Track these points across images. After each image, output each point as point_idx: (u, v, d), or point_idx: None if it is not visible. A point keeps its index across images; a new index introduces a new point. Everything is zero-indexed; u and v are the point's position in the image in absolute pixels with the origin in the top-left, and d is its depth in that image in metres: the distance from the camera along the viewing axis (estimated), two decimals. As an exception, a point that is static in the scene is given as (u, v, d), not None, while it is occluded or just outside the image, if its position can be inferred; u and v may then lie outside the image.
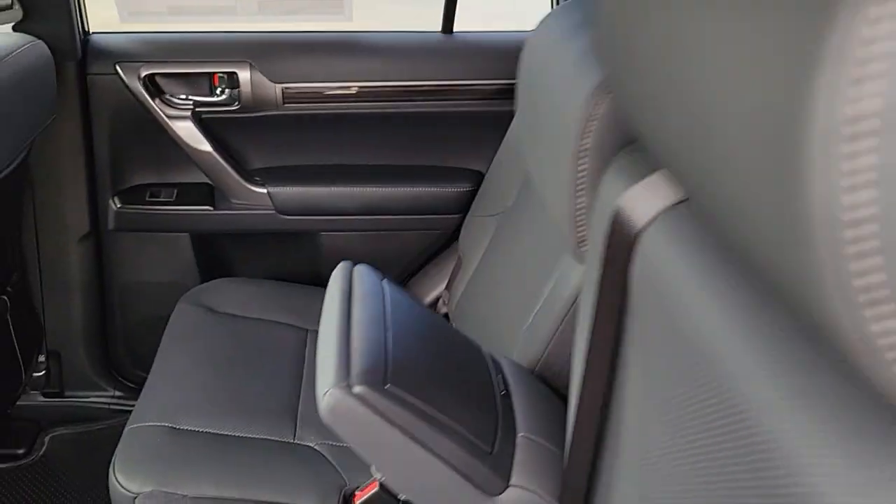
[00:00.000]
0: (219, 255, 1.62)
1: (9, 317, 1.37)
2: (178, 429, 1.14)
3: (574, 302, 0.97)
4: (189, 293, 1.47)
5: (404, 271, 1.66)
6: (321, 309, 1.60)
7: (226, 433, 1.15)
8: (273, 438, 1.17)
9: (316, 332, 1.52)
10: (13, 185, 1.27)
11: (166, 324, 1.42)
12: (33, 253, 1.52)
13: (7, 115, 1.09)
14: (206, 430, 1.15)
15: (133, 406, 1.74)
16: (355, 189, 1.54)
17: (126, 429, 1.14)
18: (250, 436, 1.16)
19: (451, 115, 1.54)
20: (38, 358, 1.59)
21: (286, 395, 1.25)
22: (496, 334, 1.18)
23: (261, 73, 1.44)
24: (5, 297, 1.35)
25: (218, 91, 1.46)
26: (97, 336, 1.63)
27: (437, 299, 1.64)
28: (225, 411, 1.19)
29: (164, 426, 1.14)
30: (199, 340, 1.34)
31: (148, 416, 1.16)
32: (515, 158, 1.36)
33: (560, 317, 0.99)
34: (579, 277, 0.93)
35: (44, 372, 1.62)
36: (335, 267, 1.71)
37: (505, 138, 1.42)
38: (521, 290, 1.14)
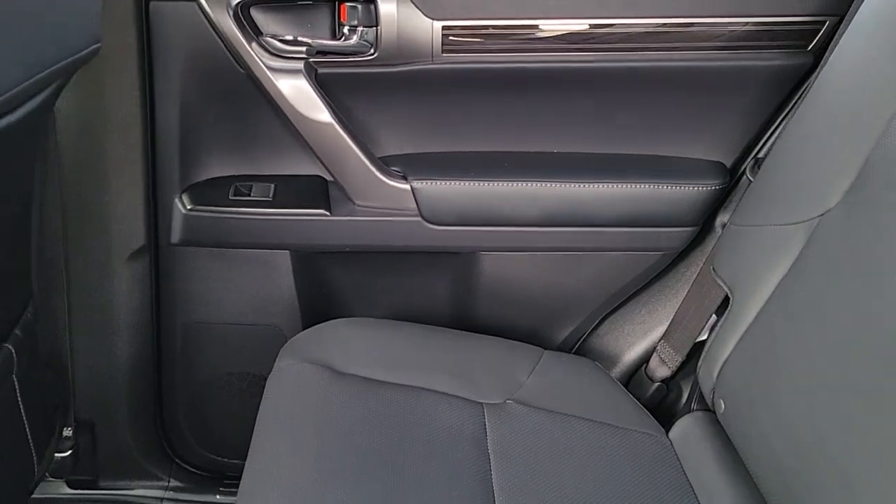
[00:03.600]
0: (333, 282, 1.10)
1: (14, 377, 0.87)
2: None
3: None
4: (295, 341, 0.95)
5: (600, 310, 1.13)
6: (494, 370, 1.05)
7: None
8: None
9: (496, 405, 1.00)
10: (19, 154, 0.76)
11: (255, 386, 0.92)
12: (59, 275, 1.02)
13: (43, 32, 0.60)
14: None
15: (197, 504, 1.25)
16: (538, 187, 1.01)
17: None
18: None
19: (685, 74, 1.01)
20: (62, 432, 1.09)
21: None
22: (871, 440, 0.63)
23: (413, 2, 0.94)
24: (10, 347, 0.85)
25: (346, 30, 0.95)
26: (149, 400, 1.12)
27: (649, 353, 1.10)
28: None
29: None
30: (321, 422, 0.81)
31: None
32: (852, 128, 0.82)
33: None
34: None
35: (70, 451, 1.11)
36: (505, 304, 1.18)
37: (810, 103, 0.89)
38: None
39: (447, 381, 0.91)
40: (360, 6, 0.93)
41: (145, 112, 0.96)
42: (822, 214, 0.81)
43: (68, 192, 0.98)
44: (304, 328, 1.09)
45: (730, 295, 0.90)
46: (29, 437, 0.92)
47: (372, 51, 0.95)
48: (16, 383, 0.87)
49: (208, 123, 1.00)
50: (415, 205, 1.00)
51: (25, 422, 0.91)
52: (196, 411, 1.14)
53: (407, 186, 1.00)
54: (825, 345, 0.72)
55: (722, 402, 0.88)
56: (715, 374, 0.88)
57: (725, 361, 0.87)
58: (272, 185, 1.03)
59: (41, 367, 0.98)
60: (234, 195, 1.02)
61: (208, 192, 1.02)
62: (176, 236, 1.02)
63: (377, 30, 0.94)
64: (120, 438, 1.12)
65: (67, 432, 1.10)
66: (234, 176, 1.04)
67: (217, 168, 1.03)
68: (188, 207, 1.01)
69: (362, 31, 0.94)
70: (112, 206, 0.99)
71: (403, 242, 1.03)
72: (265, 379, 1.10)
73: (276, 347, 1.09)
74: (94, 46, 0.75)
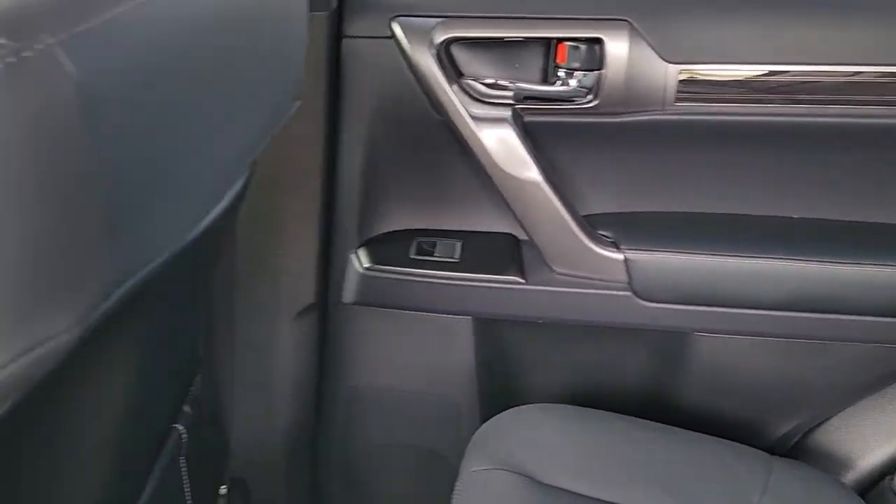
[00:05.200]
0: (517, 354, 0.97)
1: (183, 457, 0.78)
2: None
3: None
4: (483, 434, 0.82)
5: (836, 405, 0.94)
6: (719, 485, 0.86)
7: None
8: None
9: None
10: (223, 231, 0.67)
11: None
12: (225, 331, 0.94)
13: (247, 94, 0.49)
14: None
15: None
16: (783, 265, 0.84)
17: None
18: None
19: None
20: (218, 490, 1.01)
21: None
22: None
23: (648, 43, 0.78)
24: (180, 428, 0.76)
25: (561, 74, 0.81)
26: (304, 463, 1.03)
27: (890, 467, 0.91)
28: None
29: None
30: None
31: None
32: None
33: None
34: None
35: (222, 509, 1.04)
36: (719, 394, 1.00)
37: None
38: None
39: (669, 501, 0.76)
40: (583, 47, 0.79)
41: (328, 160, 0.86)
42: None
43: (241, 247, 0.89)
44: (481, 403, 0.97)
45: None
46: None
47: (590, 97, 0.81)
48: (184, 463, 0.79)
49: (394, 173, 0.89)
50: (626, 277, 0.85)
51: (189, 498, 0.83)
52: (353, 480, 1.04)
53: (619, 256, 0.85)
54: None
55: None
56: None
57: None
58: (458, 244, 0.90)
59: (206, 434, 0.90)
60: (417, 254, 0.90)
61: (387, 249, 0.91)
62: (349, 296, 0.91)
63: (601, 74, 0.79)
64: (272, 500, 1.04)
65: (222, 490, 1.02)
66: (414, 230, 0.92)
67: (397, 220, 0.92)
68: (365, 265, 0.90)
69: (582, 74, 0.80)
70: (284, 262, 0.90)
71: (608, 318, 0.88)
72: (431, 452, 0.99)
73: (446, 420, 0.98)
74: (295, 106, 0.64)
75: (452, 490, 0.78)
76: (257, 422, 0.99)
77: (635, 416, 0.88)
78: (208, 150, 0.46)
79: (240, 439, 1.00)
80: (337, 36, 0.80)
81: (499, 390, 0.96)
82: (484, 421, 0.95)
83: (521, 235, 0.91)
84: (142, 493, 0.69)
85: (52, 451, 0.50)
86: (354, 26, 0.80)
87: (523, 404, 0.88)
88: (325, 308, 0.94)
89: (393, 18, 0.80)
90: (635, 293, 0.86)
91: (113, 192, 0.34)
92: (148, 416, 0.66)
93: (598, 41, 0.78)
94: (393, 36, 0.80)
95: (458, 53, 0.82)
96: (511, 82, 0.81)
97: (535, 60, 0.82)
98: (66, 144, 0.30)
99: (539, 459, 0.77)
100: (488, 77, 0.82)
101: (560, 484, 0.75)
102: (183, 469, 0.79)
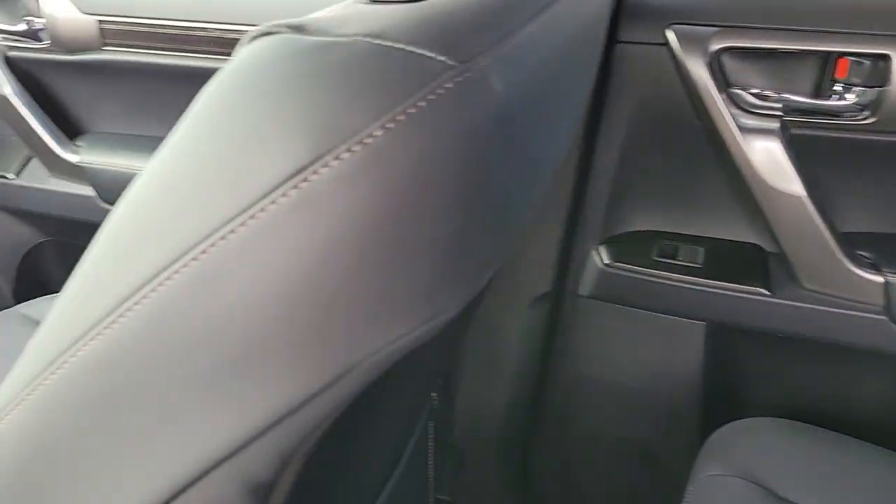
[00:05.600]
0: (747, 365, 0.97)
1: (432, 421, 0.86)
2: None
3: None
4: (716, 441, 0.83)
5: None
6: None
7: None
8: None
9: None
10: None
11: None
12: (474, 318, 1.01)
13: (573, 95, 0.53)
14: None
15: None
16: None
17: None
18: None
19: None
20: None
21: None
22: None
23: (940, 60, 0.75)
24: (434, 395, 0.84)
25: (838, 88, 0.80)
26: (519, 441, 1.09)
27: None
28: None
29: None
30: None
31: None
32: None
33: None
34: None
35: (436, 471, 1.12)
36: None
37: None
38: None
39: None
40: (867, 62, 0.77)
41: (583, 156, 0.90)
42: None
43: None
44: (703, 408, 0.98)
45: None
46: (431, 473, 0.93)
47: (866, 113, 0.79)
48: (432, 427, 0.86)
49: (645, 174, 0.91)
50: (883, 300, 0.83)
51: (431, 456, 0.91)
52: (562, 465, 1.08)
53: (878, 279, 0.82)
54: None
55: None
56: None
57: None
58: (701, 250, 0.92)
59: (442, 399, 0.99)
60: (659, 255, 0.92)
61: (630, 248, 0.93)
62: (586, 289, 0.95)
63: (884, 91, 0.77)
64: (483, 470, 1.11)
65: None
66: (657, 232, 0.94)
67: (641, 221, 0.94)
68: (606, 262, 0.93)
69: (861, 91, 0.78)
70: (527, 249, 0.95)
71: (857, 340, 0.86)
72: (644, 450, 1.01)
73: (663, 421, 1.00)
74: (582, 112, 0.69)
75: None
76: (480, 397, 1.06)
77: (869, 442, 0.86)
78: (546, 149, 0.51)
79: (462, 410, 1.08)
80: (611, 40, 0.84)
81: (723, 398, 0.97)
82: (703, 427, 0.96)
83: (768, 247, 0.90)
84: (405, 450, 0.77)
85: (374, 409, 0.58)
86: (629, 32, 0.83)
87: (746, 415, 0.88)
88: (559, 298, 0.99)
89: (668, 26, 0.82)
90: (892, 318, 0.83)
91: (503, 192, 0.40)
92: (426, 379, 0.74)
93: (885, 57, 0.76)
94: (666, 43, 0.82)
95: (727, 62, 0.83)
96: (776, 93, 0.81)
97: (807, 73, 0.81)
98: (486, 163, 0.35)
99: (775, 472, 0.78)
100: (755, 87, 0.83)
101: (795, 499, 0.75)
102: (432, 430, 0.87)
